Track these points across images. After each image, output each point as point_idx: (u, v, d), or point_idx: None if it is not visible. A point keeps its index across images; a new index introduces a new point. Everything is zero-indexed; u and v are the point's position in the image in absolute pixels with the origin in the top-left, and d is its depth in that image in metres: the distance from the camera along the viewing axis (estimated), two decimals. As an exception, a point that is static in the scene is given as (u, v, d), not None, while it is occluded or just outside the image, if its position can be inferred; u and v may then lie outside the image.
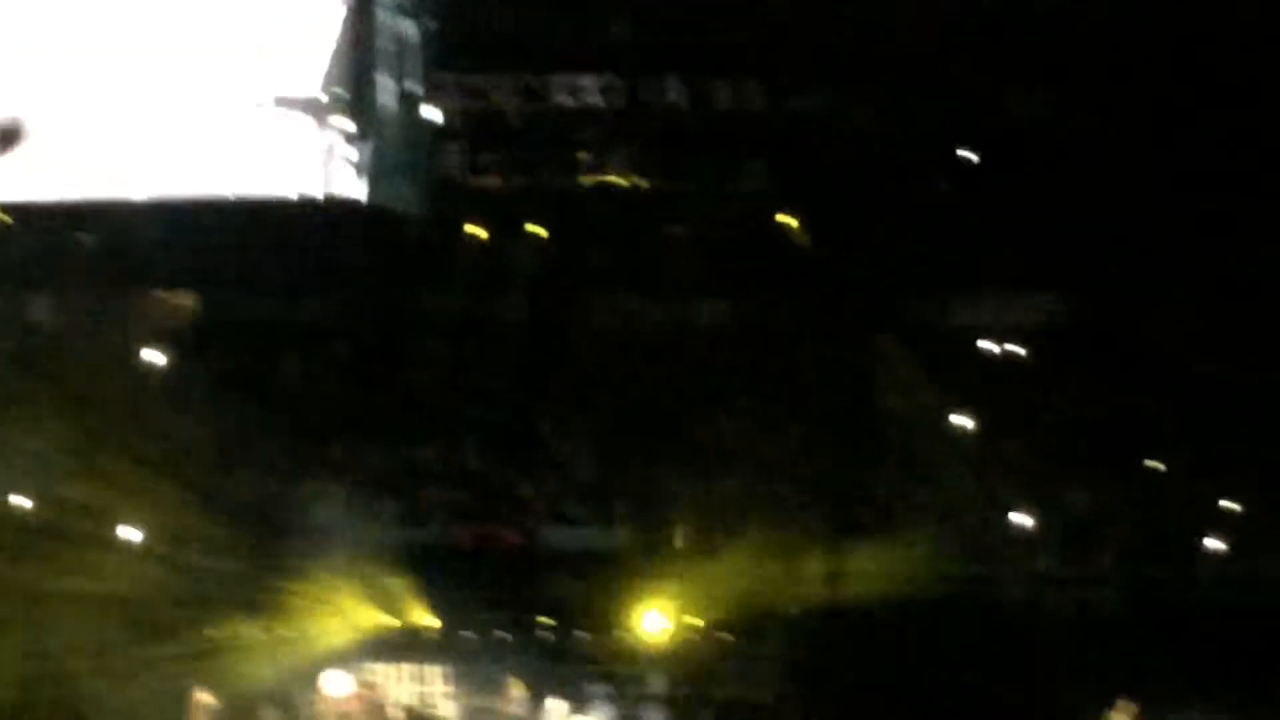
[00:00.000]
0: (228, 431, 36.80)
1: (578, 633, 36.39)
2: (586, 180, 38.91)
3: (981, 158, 39.01)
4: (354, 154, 38.48)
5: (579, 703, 35.53)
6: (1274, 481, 37.12)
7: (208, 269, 38.64)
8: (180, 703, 34.47)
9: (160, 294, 39.38)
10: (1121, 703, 33.46)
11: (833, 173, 38.40)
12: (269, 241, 38.36)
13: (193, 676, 34.81)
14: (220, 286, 39.00)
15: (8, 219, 37.69)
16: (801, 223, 38.13)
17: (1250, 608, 36.21)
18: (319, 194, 38.40)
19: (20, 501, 35.35)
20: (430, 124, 39.16)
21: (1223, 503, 37.42)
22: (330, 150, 38.45)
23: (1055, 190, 37.65)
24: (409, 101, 39.11)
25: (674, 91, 39.30)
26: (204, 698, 34.34)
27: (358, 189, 38.54)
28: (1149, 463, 37.70)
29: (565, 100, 39.30)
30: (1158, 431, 37.79)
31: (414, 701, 37.61)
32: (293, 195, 38.42)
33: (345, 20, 38.43)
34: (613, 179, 38.73)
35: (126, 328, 38.68)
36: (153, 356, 38.22)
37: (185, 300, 39.35)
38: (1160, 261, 37.83)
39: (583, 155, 38.96)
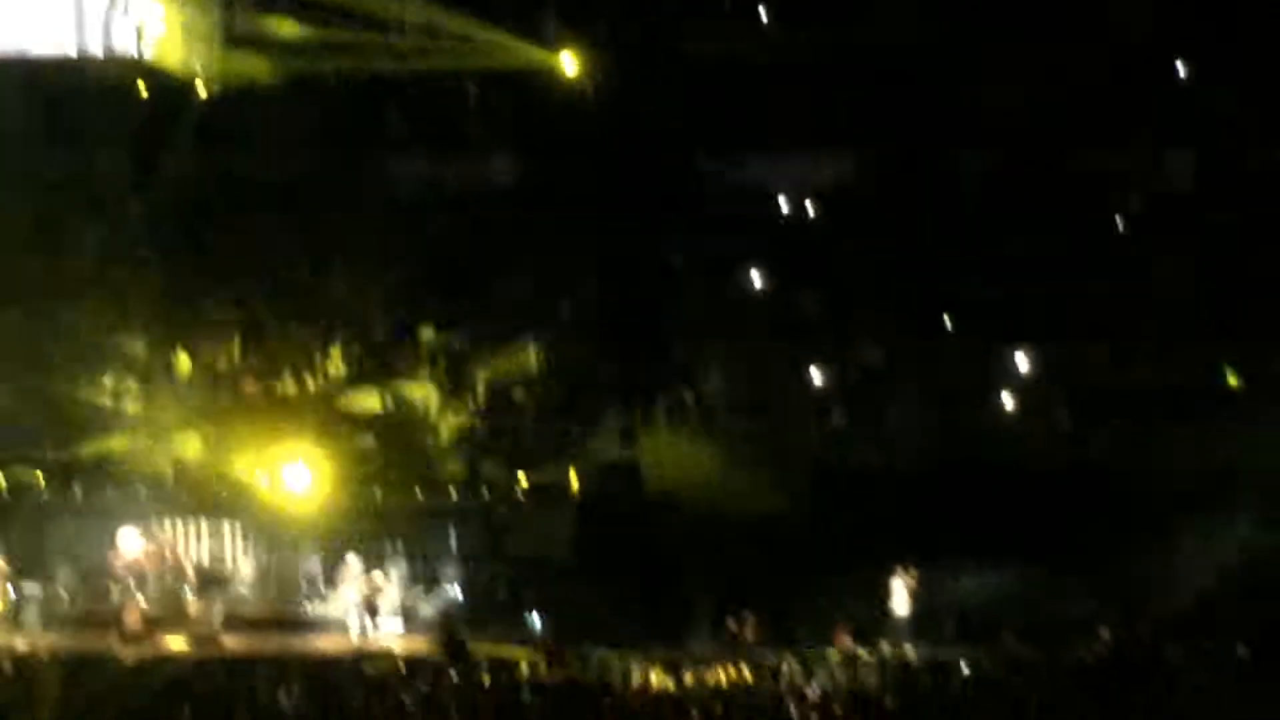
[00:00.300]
0: (13, 286, 36.56)
1: (377, 490, 36.31)
2: (376, 38, 38.32)
3: (774, 17, 39.03)
4: (137, 11, 37.82)
5: (376, 557, 35.54)
6: (1064, 340, 37.89)
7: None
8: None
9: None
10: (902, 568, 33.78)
11: (630, 31, 38.33)
12: (54, 98, 37.75)
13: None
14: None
15: None
16: (594, 80, 38.03)
17: (1039, 467, 37.06)
18: (100, 51, 37.83)
19: None
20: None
21: (1015, 360, 38.20)
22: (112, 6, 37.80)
23: (850, 51, 37.89)
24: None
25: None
26: (-1, 560, 34.10)
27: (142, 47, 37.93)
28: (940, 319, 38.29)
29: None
30: (949, 289, 38.20)
31: (208, 559, 37.62)
32: (73, 52, 37.87)
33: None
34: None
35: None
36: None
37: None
38: (955, 119, 38.26)
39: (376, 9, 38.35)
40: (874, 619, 33.28)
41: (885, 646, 32.38)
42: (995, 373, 38.25)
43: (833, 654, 31.78)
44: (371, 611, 34.19)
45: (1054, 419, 37.93)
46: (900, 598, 33.26)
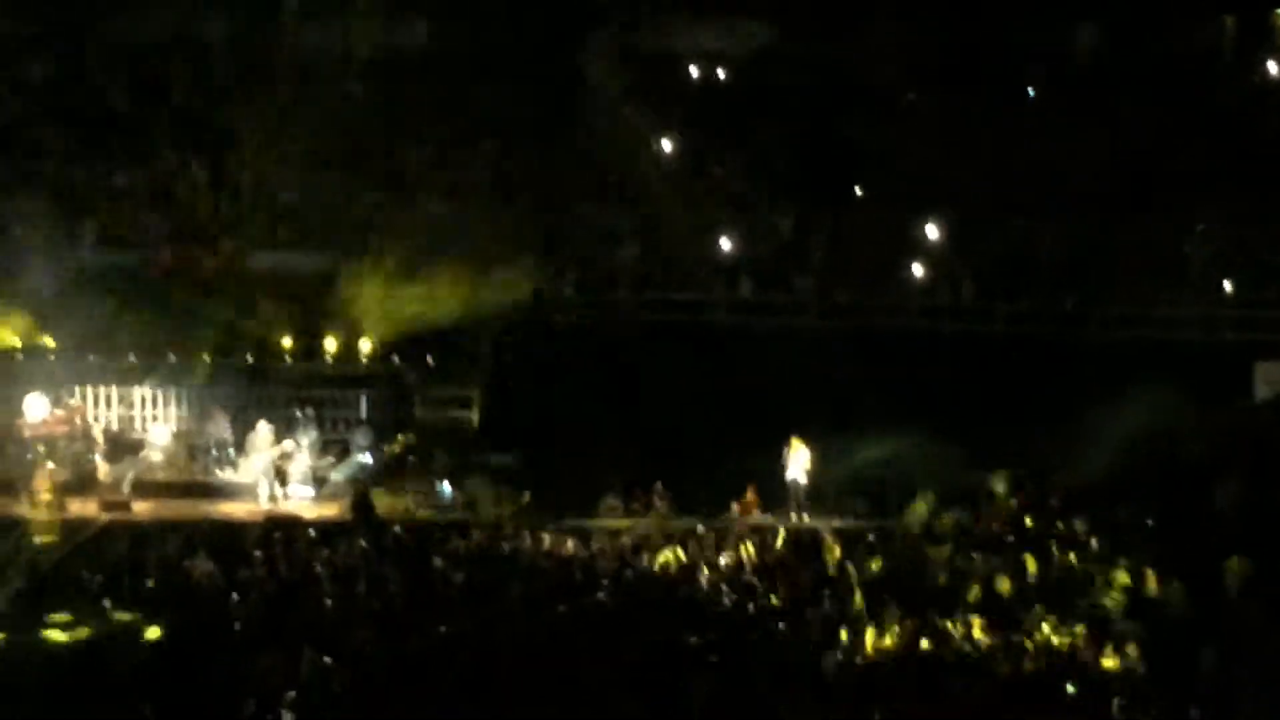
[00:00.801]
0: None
1: (285, 357, 36.15)
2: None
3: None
4: None
5: (286, 425, 35.46)
6: (974, 208, 38.01)
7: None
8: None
9: None
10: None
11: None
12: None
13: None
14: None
15: None
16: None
17: (945, 334, 37.34)
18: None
19: None
20: None
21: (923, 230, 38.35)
22: None
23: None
24: None
25: None
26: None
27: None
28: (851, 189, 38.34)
29: None
30: (862, 158, 38.22)
31: (117, 425, 37.47)
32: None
33: None
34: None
35: None
36: None
37: None
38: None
39: None
40: (778, 488, 33.54)
41: (793, 515, 32.69)
42: (906, 243, 38.45)
43: (738, 522, 32.19)
44: (282, 478, 34.17)
45: (961, 290, 38.31)
46: (806, 466, 33.41)
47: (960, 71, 38.36)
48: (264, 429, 34.85)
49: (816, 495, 33.02)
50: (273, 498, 33.74)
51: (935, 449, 33.62)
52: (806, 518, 32.31)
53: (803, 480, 32.97)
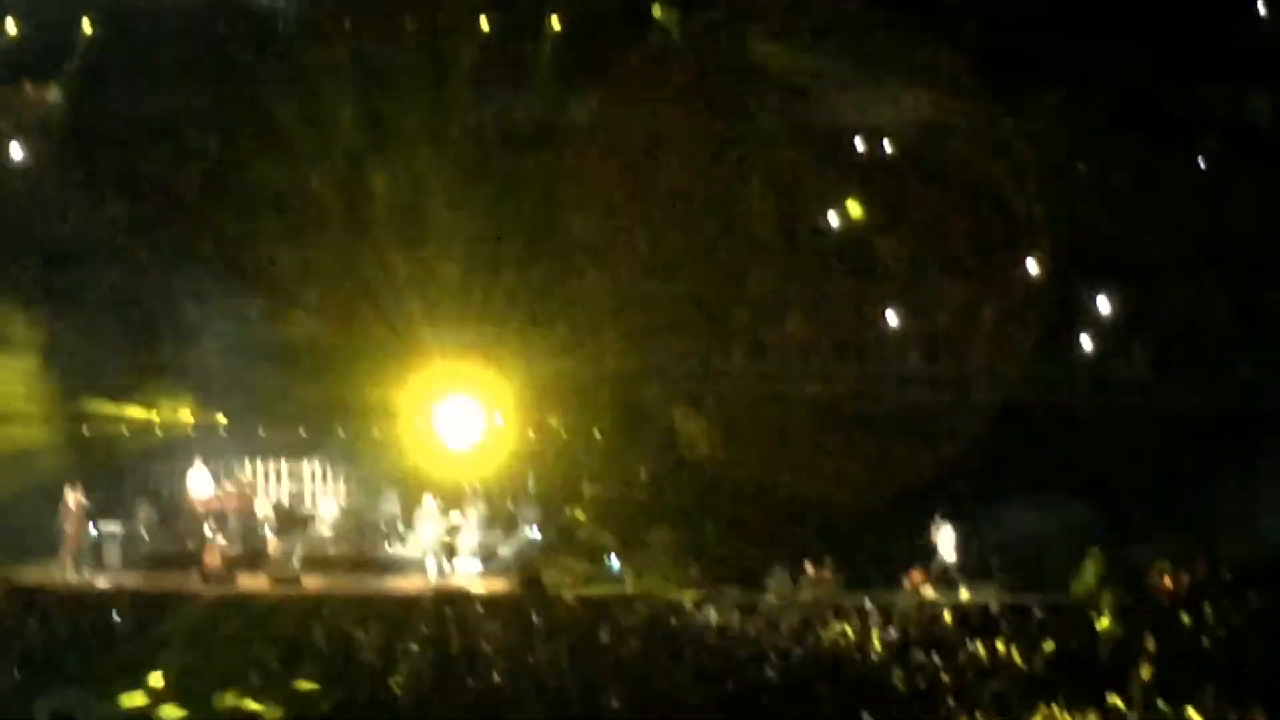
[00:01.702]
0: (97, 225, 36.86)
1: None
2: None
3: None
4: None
5: (455, 500, 35.64)
6: (1148, 284, 37.49)
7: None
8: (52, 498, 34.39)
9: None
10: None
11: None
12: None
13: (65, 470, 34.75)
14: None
15: None
16: (674, 16, 37.73)
17: (1115, 413, 36.72)
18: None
19: None
20: None
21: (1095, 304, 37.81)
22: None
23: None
24: None
25: None
26: (76, 495, 34.21)
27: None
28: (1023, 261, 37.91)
29: None
30: (1031, 230, 37.81)
31: (286, 499, 37.81)
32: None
33: None
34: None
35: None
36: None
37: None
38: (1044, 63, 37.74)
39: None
40: (940, 562, 33.30)
41: (959, 589, 32.37)
42: (1079, 314, 38.00)
43: (904, 597, 31.81)
44: (450, 552, 34.31)
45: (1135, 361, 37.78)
46: (967, 541, 33.16)
47: (1132, 137, 37.79)
48: (430, 502, 35.05)
49: (977, 568, 32.87)
50: (440, 572, 33.91)
51: (1105, 525, 33.28)
52: (965, 593, 32.07)
53: (961, 554, 32.69)
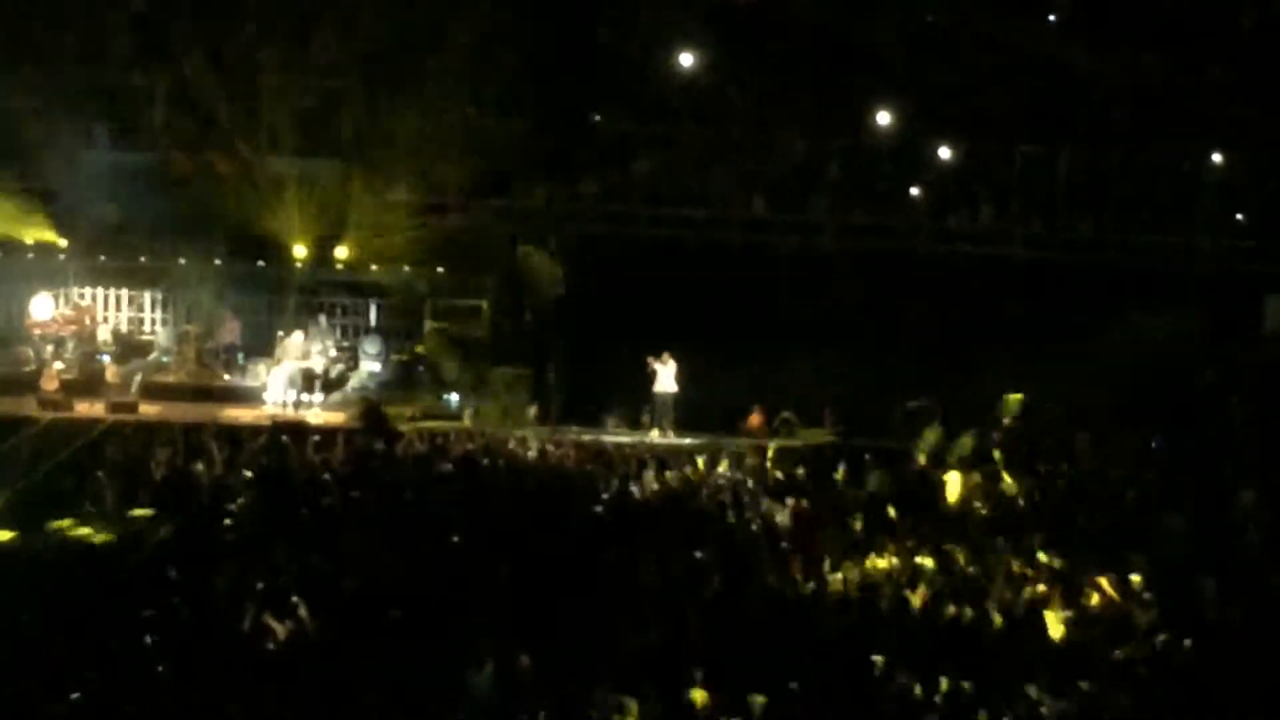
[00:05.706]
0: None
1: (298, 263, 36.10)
2: None
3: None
4: None
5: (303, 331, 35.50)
6: (991, 130, 37.83)
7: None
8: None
9: None
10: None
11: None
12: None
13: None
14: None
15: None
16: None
17: (954, 259, 37.23)
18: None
19: None
20: None
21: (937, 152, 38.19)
22: None
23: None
24: None
25: None
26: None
27: None
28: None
29: None
30: (878, 81, 37.98)
31: (125, 326, 37.54)
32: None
33: None
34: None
35: None
36: None
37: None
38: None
39: None
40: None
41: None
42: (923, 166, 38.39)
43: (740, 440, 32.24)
44: (293, 384, 34.18)
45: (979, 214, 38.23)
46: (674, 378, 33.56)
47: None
48: (297, 338, 34.84)
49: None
50: (282, 402, 33.79)
51: (940, 371, 33.81)
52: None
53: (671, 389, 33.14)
